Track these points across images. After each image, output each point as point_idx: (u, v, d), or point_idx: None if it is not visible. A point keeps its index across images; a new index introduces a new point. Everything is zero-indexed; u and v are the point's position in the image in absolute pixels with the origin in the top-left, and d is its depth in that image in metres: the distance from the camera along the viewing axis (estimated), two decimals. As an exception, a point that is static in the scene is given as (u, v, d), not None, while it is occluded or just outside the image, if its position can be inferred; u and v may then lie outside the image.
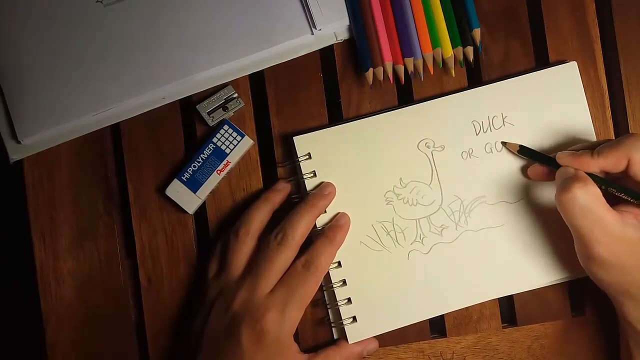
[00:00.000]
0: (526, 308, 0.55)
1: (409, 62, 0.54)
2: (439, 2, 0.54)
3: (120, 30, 0.55)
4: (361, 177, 0.54)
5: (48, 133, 0.55)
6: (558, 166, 0.49)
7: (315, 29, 0.54)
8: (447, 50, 0.54)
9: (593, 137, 0.54)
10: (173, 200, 0.54)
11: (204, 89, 0.55)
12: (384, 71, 0.53)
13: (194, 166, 0.54)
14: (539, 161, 0.52)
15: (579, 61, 0.54)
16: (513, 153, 0.53)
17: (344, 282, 0.54)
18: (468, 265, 0.54)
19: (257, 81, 0.56)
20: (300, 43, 0.55)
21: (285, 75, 0.56)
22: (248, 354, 0.49)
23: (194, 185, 0.54)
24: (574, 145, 0.53)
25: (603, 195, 0.46)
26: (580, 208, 0.45)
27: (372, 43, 0.54)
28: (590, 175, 0.47)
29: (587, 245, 0.46)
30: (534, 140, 0.54)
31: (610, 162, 0.47)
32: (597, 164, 0.47)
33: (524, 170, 0.54)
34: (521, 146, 0.53)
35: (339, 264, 0.54)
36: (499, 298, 0.55)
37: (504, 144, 0.54)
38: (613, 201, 0.47)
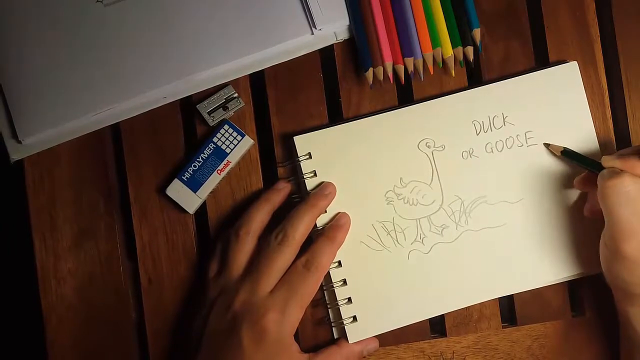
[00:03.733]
0: (526, 308, 0.55)
1: (409, 62, 0.54)
2: (439, 2, 0.54)
3: (120, 30, 0.55)
4: (361, 176, 0.54)
5: (48, 133, 0.55)
6: (602, 169, 0.49)
7: (315, 28, 0.54)
8: (447, 50, 0.54)
9: (594, 138, 0.54)
10: (173, 200, 0.54)
11: (204, 89, 0.55)
12: (384, 71, 0.53)
13: (194, 166, 0.54)
14: (583, 164, 0.51)
15: (579, 61, 0.54)
16: (555, 155, 0.53)
17: (344, 282, 0.54)
18: (468, 265, 0.54)
19: (257, 81, 0.56)
20: (300, 43, 0.55)
21: (285, 75, 0.56)
22: (248, 354, 0.49)
23: (194, 185, 0.54)
24: (576, 144, 0.53)
25: None
26: (626, 195, 0.45)
27: (372, 43, 0.54)
28: None
29: (620, 237, 0.45)
30: (535, 140, 0.54)
31: None
32: None
33: (524, 170, 0.54)
34: (565, 149, 0.52)
35: (339, 263, 0.54)
36: (499, 298, 0.55)
37: (546, 145, 0.53)
38: None
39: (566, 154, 0.52)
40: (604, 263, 0.48)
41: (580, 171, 0.52)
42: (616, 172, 0.46)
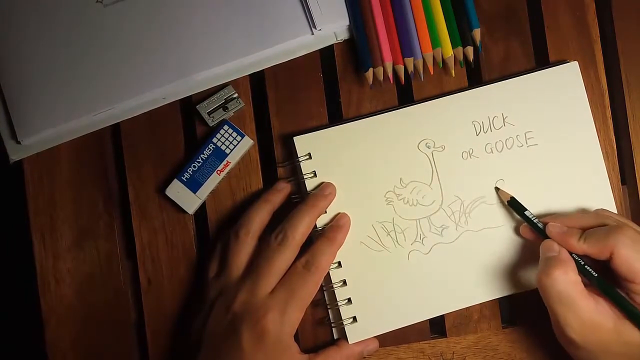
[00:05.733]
0: (526, 308, 0.55)
1: (409, 62, 0.54)
2: (439, 2, 0.54)
3: (120, 30, 0.55)
4: (361, 177, 0.54)
5: (48, 133, 0.55)
6: (544, 234, 0.50)
7: (315, 29, 0.54)
8: (447, 50, 0.54)
9: (595, 138, 0.54)
10: (173, 201, 0.54)
11: (204, 89, 0.55)
12: (384, 71, 0.53)
13: (194, 166, 0.54)
14: (526, 221, 0.52)
15: (579, 61, 0.54)
16: (502, 202, 0.53)
17: (344, 283, 0.54)
18: (468, 265, 0.54)
19: (257, 81, 0.56)
20: (300, 43, 0.55)
21: (285, 75, 0.56)
22: (248, 355, 0.49)
23: (194, 185, 0.54)
24: (577, 145, 0.53)
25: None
26: (557, 293, 0.47)
27: (372, 43, 0.54)
28: (575, 256, 0.48)
29: (559, 326, 0.47)
30: (535, 141, 0.54)
31: (593, 251, 0.48)
32: (582, 249, 0.48)
33: (524, 171, 0.54)
34: (512, 198, 0.53)
35: (339, 264, 0.54)
36: (499, 298, 0.55)
37: (497, 189, 0.53)
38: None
39: (512, 205, 0.53)
40: (556, 336, 0.49)
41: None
42: (549, 267, 0.47)
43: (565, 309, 0.47)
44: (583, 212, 0.53)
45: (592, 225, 0.49)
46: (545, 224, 0.50)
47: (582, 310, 0.46)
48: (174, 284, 0.55)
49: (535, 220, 0.51)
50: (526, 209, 0.52)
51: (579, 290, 0.47)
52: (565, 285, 0.47)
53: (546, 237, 0.50)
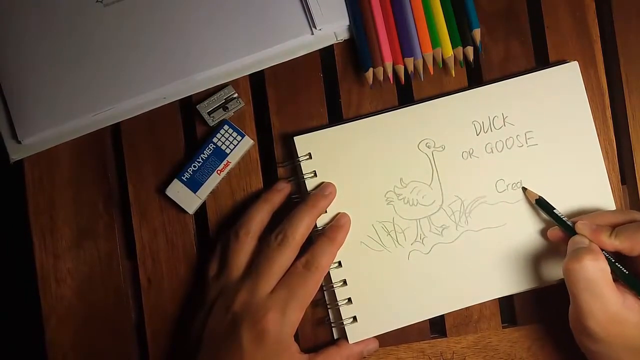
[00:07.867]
0: (526, 308, 0.55)
1: (409, 62, 0.54)
2: (439, 2, 0.54)
3: (120, 30, 0.55)
4: (362, 177, 0.54)
5: (48, 133, 0.55)
6: (573, 232, 0.50)
7: (315, 29, 0.54)
8: (447, 50, 0.54)
9: (595, 138, 0.54)
10: (173, 200, 0.54)
11: (204, 89, 0.55)
12: (384, 71, 0.53)
13: (194, 166, 0.54)
14: (554, 219, 0.52)
15: (579, 61, 0.54)
16: (530, 202, 0.53)
17: (345, 282, 0.54)
18: (468, 265, 0.54)
19: (257, 81, 0.56)
20: (300, 43, 0.55)
21: (285, 75, 0.56)
22: (248, 355, 0.49)
23: (194, 185, 0.54)
24: (577, 145, 0.53)
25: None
26: (585, 280, 0.46)
27: (372, 43, 0.54)
28: (605, 253, 0.48)
29: (581, 316, 0.47)
30: (535, 141, 0.54)
31: (625, 247, 0.48)
32: (613, 245, 0.48)
33: (524, 171, 0.54)
34: (540, 198, 0.53)
35: (340, 264, 0.54)
36: (499, 298, 0.55)
37: (524, 189, 0.53)
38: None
39: (540, 205, 0.53)
40: (573, 330, 0.49)
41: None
42: (579, 254, 0.47)
43: (591, 298, 0.46)
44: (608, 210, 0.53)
45: (621, 222, 0.49)
46: (574, 223, 0.50)
47: (609, 301, 0.46)
48: (174, 284, 0.55)
49: (564, 219, 0.51)
50: (554, 208, 0.52)
51: (608, 280, 0.46)
52: (595, 272, 0.46)
53: (575, 234, 0.50)
